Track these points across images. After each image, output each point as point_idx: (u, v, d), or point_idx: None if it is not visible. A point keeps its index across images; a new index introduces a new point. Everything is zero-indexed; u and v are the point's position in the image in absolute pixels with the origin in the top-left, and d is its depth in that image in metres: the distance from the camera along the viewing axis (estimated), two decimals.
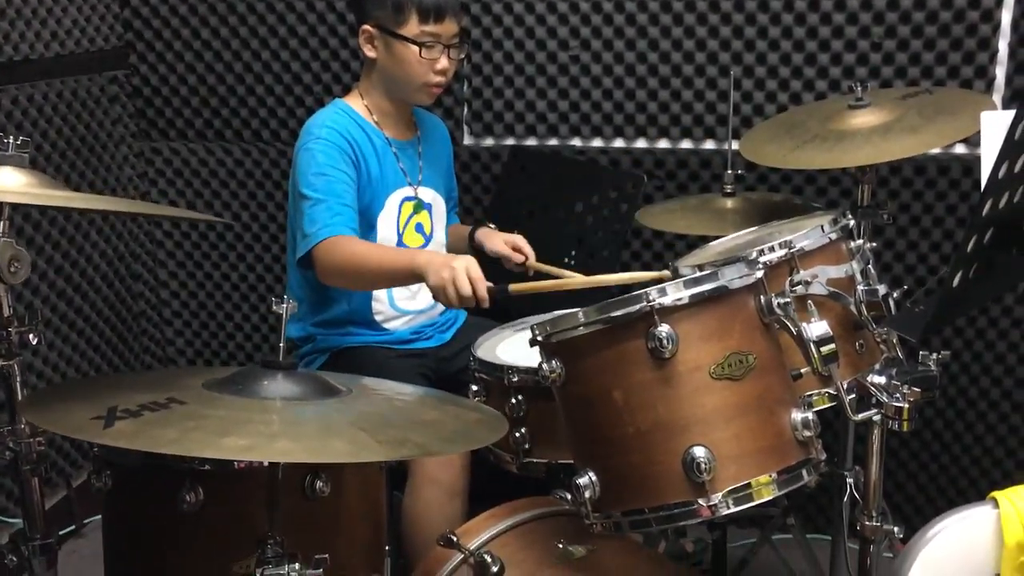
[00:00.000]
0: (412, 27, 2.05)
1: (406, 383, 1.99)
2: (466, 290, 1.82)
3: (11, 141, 1.22)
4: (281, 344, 1.25)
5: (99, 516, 1.47)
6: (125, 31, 2.81)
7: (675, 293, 1.36)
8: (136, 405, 1.10)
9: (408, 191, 2.20)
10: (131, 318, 2.90)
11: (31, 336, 1.27)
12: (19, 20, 2.43)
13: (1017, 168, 1.25)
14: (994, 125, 1.50)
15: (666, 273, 1.91)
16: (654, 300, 1.35)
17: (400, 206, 2.19)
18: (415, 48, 2.05)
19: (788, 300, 1.42)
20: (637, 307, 1.35)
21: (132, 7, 2.78)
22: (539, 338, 1.47)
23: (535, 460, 1.77)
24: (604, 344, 1.38)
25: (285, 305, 1.27)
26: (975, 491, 2.59)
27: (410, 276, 1.98)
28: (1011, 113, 1.23)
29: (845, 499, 2.08)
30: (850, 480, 2.06)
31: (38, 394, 1.24)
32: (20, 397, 1.28)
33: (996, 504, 1.07)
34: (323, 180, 2.03)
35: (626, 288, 1.77)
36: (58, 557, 1.41)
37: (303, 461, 1.00)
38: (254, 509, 1.19)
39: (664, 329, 1.34)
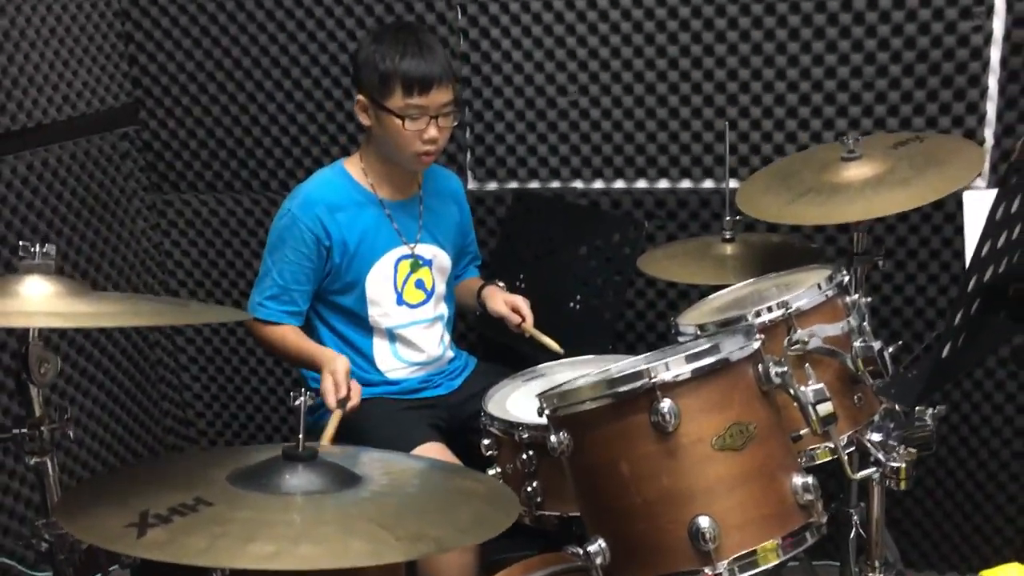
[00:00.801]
0: (397, 100, 2.10)
1: (418, 436, 2.10)
2: (339, 389, 2.05)
3: (37, 250, 1.28)
4: (300, 436, 1.31)
5: None
6: (134, 88, 2.87)
7: (677, 368, 1.42)
8: (166, 509, 1.16)
9: (403, 250, 2.26)
10: (153, 400, 2.99)
11: (66, 431, 1.33)
12: (31, 87, 2.49)
13: (1000, 244, 1.30)
14: (977, 205, 1.55)
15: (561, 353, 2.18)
16: (656, 376, 1.40)
17: (396, 266, 2.25)
18: (399, 121, 2.10)
19: (785, 369, 1.47)
20: (640, 383, 1.41)
21: (140, 65, 2.84)
22: (547, 411, 1.53)
23: (547, 513, 1.82)
24: (609, 418, 1.44)
25: (303, 398, 1.33)
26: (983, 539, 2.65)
27: (311, 362, 2.22)
28: (992, 193, 1.29)
29: (851, 536, 2.13)
30: (856, 518, 2.12)
31: (70, 495, 1.29)
32: (55, 491, 1.34)
33: None
34: (279, 254, 2.18)
35: None
36: None
37: (326, 568, 1.05)
38: None
39: (666, 404, 1.40)
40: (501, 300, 2.31)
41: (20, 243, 1.30)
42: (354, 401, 2.05)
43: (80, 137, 2.68)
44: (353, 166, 2.24)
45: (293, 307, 2.21)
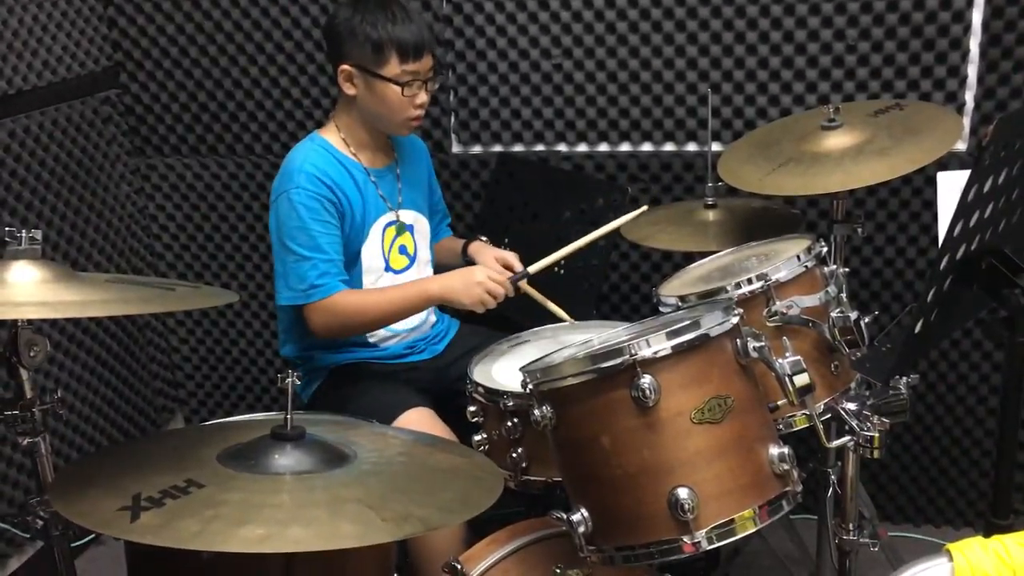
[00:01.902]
0: (392, 67, 2.09)
1: (405, 401, 2.14)
2: (500, 293, 2.11)
3: (24, 235, 1.29)
4: (288, 416, 1.34)
5: None
6: (114, 51, 2.85)
7: (657, 344, 1.44)
8: (158, 492, 1.19)
9: (390, 216, 2.27)
10: (143, 364, 3.01)
11: (58, 411, 1.36)
12: (10, 53, 2.47)
13: (972, 223, 1.33)
14: (950, 185, 1.58)
15: (644, 208, 2.21)
16: (637, 353, 1.43)
17: (383, 232, 2.26)
18: (397, 88, 2.10)
19: (763, 343, 1.50)
20: (621, 359, 1.44)
21: (120, 28, 2.82)
22: (530, 385, 1.56)
23: (532, 478, 1.86)
24: (591, 393, 1.47)
25: (290, 380, 1.35)
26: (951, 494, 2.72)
27: (426, 306, 2.24)
28: (965, 173, 1.31)
29: (829, 494, 2.19)
30: (833, 477, 2.17)
31: (63, 475, 1.32)
32: (48, 470, 1.37)
33: (951, 557, 1.17)
34: (306, 235, 2.10)
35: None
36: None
37: (315, 549, 1.09)
38: None
39: (647, 380, 1.43)
40: (491, 256, 2.31)
41: (6, 228, 1.31)
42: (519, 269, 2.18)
43: (61, 103, 2.66)
44: (332, 136, 2.22)
45: (343, 275, 2.15)
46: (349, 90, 2.15)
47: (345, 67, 2.13)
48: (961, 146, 2.44)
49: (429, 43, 2.13)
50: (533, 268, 2.22)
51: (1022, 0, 2.31)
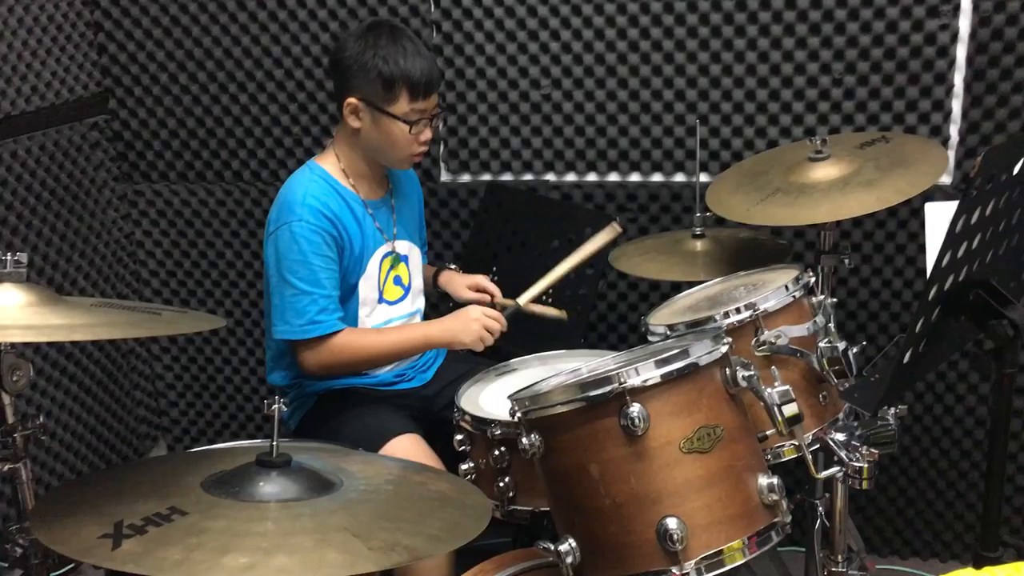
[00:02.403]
0: (402, 105, 2.08)
1: (394, 428, 2.12)
2: (497, 328, 2.15)
3: (8, 258, 1.28)
4: (274, 443, 1.32)
5: None
6: (103, 77, 2.85)
7: (646, 373, 1.44)
8: (140, 519, 1.17)
9: (387, 248, 2.26)
10: (126, 391, 2.98)
11: (39, 437, 1.34)
12: None
13: (960, 254, 1.34)
14: (939, 215, 1.59)
15: (615, 225, 2.26)
16: (626, 381, 1.43)
17: (380, 264, 2.25)
18: (404, 126, 2.09)
19: (752, 373, 1.50)
20: (610, 388, 1.44)
21: (109, 54, 2.82)
22: (518, 413, 1.55)
23: (519, 508, 1.85)
24: (579, 422, 1.47)
25: (276, 406, 1.34)
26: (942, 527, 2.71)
27: (424, 350, 2.29)
28: (953, 204, 1.32)
29: (817, 526, 2.18)
30: (820, 509, 2.16)
31: (43, 502, 1.30)
32: (29, 497, 1.35)
33: None
34: (306, 268, 2.07)
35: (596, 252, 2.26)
36: None
37: None
38: None
39: (636, 408, 1.42)
40: (463, 285, 2.33)
41: None
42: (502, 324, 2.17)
43: (49, 128, 2.66)
44: (331, 167, 2.19)
45: (340, 312, 2.14)
46: (354, 123, 2.12)
47: (351, 100, 2.10)
48: (946, 179, 2.46)
49: (437, 80, 2.13)
50: (523, 299, 2.23)
51: (1006, 36, 2.34)
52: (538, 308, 2.27)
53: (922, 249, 2.53)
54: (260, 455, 1.33)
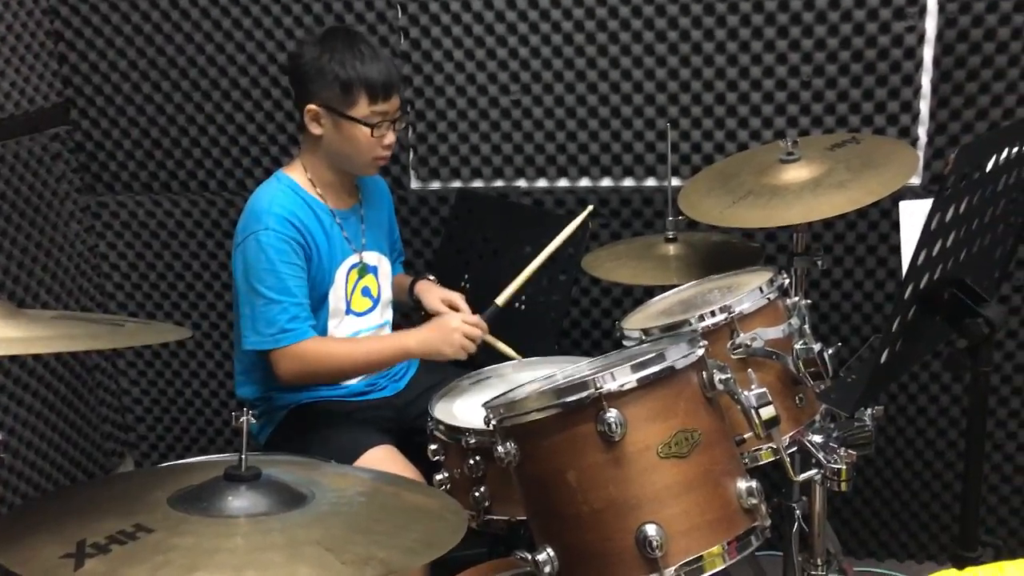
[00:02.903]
0: (362, 108, 2.06)
1: (367, 440, 2.09)
2: (477, 335, 2.12)
3: None
4: (242, 456, 1.29)
5: None
6: (64, 87, 2.79)
7: (623, 378, 1.42)
8: (104, 537, 1.13)
9: (354, 259, 2.23)
10: (91, 406, 2.91)
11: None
12: None
13: (935, 252, 1.33)
14: (912, 214, 1.58)
15: (590, 208, 2.24)
16: (603, 386, 1.41)
17: (347, 275, 2.22)
18: (366, 129, 2.07)
19: (729, 376, 1.48)
20: (586, 393, 1.42)
21: (70, 63, 2.76)
22: (493, 421, 1.52)
23: (495, 517, 1.82)
24: (556, 428, 1.45)
25: (244, 418, 1.31)
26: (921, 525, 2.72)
27: (401, 361, 2.27)
28: (928, 203, 1.31)
29: (794, 529, 2.17)
30: (798, 512, 2.16)
31: (3, 521, 1.25)
32: None
33: None
34: (275, 277, 2.04)
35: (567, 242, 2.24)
36: None
37: None
38: None
39: (613, 414, 1.40)
40: (436, 298, 2.29)
41: None
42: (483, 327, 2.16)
43: (9, 139, 2.59)
44: (299, 176, 2.17)
45: (312, 320, 2.11)
46: (315, 130, 2.10)
47: (312, 107, 2.08)
48: (915, 180, 2.47)
49: (397, 82, 2.11)
50: (500, 300, 2.21)
51: (971, 37, 2.36)
52: (500, 345, 2.24)
53: (893, 251, 2.53)
54: (228, 468, 1.29)
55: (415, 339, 2.14)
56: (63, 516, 1.21)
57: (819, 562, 1.74)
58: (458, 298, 2.26)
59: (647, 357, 1.45)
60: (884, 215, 2.51)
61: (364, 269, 2.25)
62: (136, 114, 2.79)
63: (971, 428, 1.52)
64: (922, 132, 2.46)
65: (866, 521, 2.75)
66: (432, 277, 2.41)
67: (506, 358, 2.21)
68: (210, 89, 2.73)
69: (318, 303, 2.16)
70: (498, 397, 1.61)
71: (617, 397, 1.41)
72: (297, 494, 1.30)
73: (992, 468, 2.62)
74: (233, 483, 1.27)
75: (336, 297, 2.20)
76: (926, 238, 1.28)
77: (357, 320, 2.25)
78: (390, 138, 2.12)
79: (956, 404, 2.59)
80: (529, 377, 1.88)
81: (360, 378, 2.27)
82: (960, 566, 1.29)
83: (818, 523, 1.73)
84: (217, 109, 2.75)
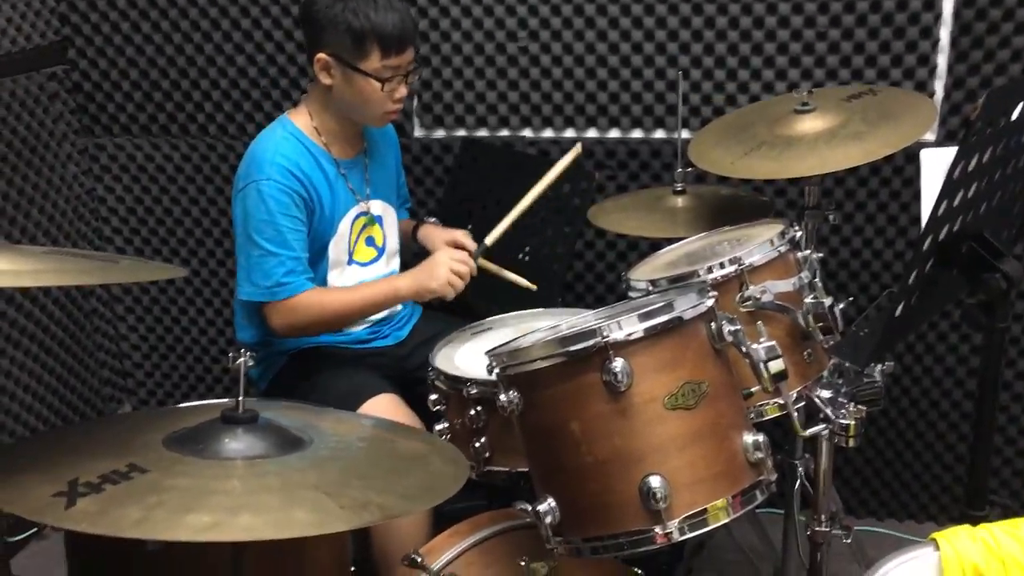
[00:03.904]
0: (373, 61, 2.00)
1: (370, 388, 2.06)
2: (465, 271, 2.08)
3: None
4: (239, 398, 1.26)
5: None
6: (62, 25, 2.73)
7: (630, 327, 1.39)
8: (97, 477, 1.11)
9: (360, 208, 2.19)
10: (88, 351, 2.88)
11: None
12: None
13: (956, 202, 1.29)
14: (934, 163, 1.54)
15: (579, 146, 2.19)
16: (609, 335, 1.37)
17: (352, 225, 2.18)
18: (377, 83, 2.01)
19: (738, 327, 1.45)
20: (592, 342, 1.38)
21: (69, 0, 2.70)
22: (496, 370, 1.49)
23: (496, 468, 1.80)
24: (561, 378, 1.41)
25: (242, 359, 1.27)
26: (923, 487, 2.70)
27: (394, 304, 2.23)
28: (951, 151, 1.27)
29: (796, 487, 2.15)
30: (801, 470, 2.14)
31: None
32: None
33: (937, 546, 1.12)
34: (273, 229, 2.01)
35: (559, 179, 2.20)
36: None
37: (267, 538, 1.01)
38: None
39: (619, 363, 1.37)
40: (440, 240, 2.25)
41: None
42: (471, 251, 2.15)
43: (5, 77, 2.54)
44: (304, 124, 2.12)
45: (309, 273, 2.08)
46: (325, 79, 2.04)
47: (322, 56, 2.02)
48: (930, 136, 2.42)
49: (412, 35, 2.04)
50: (489, 239, 2.18)
51: None
52: (506, 273, 2.20)
53: (903, 208, 2.49)
54: (225, 410, 1.26)
55: (406, 281, 2.12)
56: (55, 455, 1.18)
57: (823, 518, 1.72)
58: (461, 235, 2.23)
59: (655, 307, 1.41)
60: (896, 172, 2.46)
61: (370, 219, 2.22)
62: (136, 54, 2.73)
63: (983, 385, 1.49)
64: (939, 87, 2.40)
65: (867, 480, 2.74)
66: (434, 220, 2.37)
67: (516, 288, 2.17)
68: (211, 29, 2.67)
69: (318, 254, 2.13)
70: (502, 345, 1.57)
71: (624, 347, 1.38)
72: (295, 438, 1.28)
73: (1001, 425, 2.60)
74: (230, 425, 1.25)
75: (338, 248, 2.16)
76: (948, 188, 1.24)
77: (361, 270, 2.21)
78: (401, 92, 2.06)
79: (962, 364, 2.56)
80: (532, 327, 1.85)
81: (363, 325, 2.24)
82: (975, 524, 1.26)
83: (824, 480, 1.70)
84: (218, 50, 2.69)
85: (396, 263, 2.31)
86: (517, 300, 2.19)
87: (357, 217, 2.19)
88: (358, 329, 2.25)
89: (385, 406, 2.03)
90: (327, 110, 2.12)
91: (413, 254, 2.39)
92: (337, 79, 2.04)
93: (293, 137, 2.09)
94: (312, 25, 2.04)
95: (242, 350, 1.30)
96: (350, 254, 2.19)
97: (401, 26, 2.00)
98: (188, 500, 1.07)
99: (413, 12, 2.55)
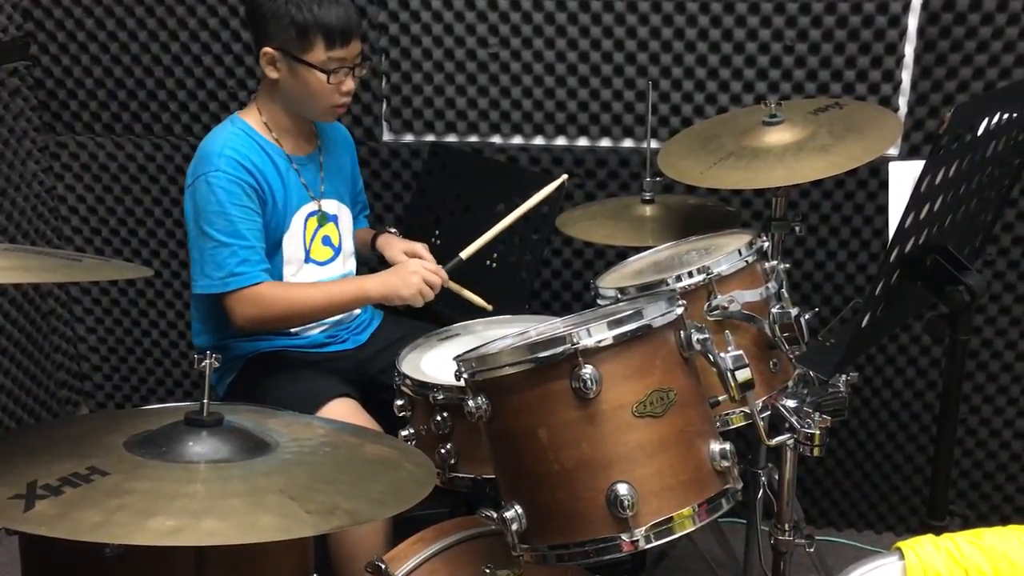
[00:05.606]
0: (318, 53, 2.01)
1: (327, 392, 2.04)
2: (437, 282, 2.08)
3: None
4: (204, 400, 1.24)
5: None
6: (24, 20, 2.68)
7: (599, 334, 1.38)
8: (56, 479, 1.08)
9: (312, 206, 2.18)
10: (45, 352, 2.82)
11: None
12: None
13: (923, 215, 1.31)
14: (901, 176, 1.56)
15: (564, 177, 2.19)
16: (579, 342, 1.37)
17: (305, 222, 2.17)
18: (322, 75, 2.01)
19: (707, 336, 1.45)
20: (562, 348, 1.38)
21: None
22: (464, 375, 1.48)
23: (461, 475, 1.79)
24: (529, 384, 1.41)
25: (207, 362, 1.25)
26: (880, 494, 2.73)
27: (361, 305, 2.19)
28: (918, 164, 1.28)
29: (759, 496, 2.16)
30: (763, 479, 2.15)
31: None
32: None
33: (902, 555, 1.13)
34: (224, 219, 1.99)
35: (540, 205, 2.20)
36: None
37: (232, 543, 0.99)
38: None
39: (588, 370, 1.37)
40: (399, 250, 2.25)
41: None
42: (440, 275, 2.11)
43: None
44: (254, 120, 2.12)
45: (265, 264, 2.05)
46: (271, 73, 2.05)
47: (267, 50, 2.03)
48: (893, 151, 2.45)
49: (357, 28, 2.04)
50: (465, 253, 2.17)
51: (958, 6, 2.33)
52: (466, 293, 2.19)
53: (867, 221, 2.52)
54: (189, 413, 1.24)
55: (374, 282, 2.11)
56: (13, 457, 1.15)
57: (787, 527, 1.73)
58: (420, 248, 2.22)
59: (625, 314, 1.41)
60: (860, 185, 2.49)
61: (324, 217, 2.20)
62: (99, 51, 2.69)
63: (947, 395, 1.51)
64: (903, 102, 2.44)
65: (827, 490, 2.76)
66: (393, 230, 2.36)
67: (473, 307, 2.17)
68: (177, 28, 2.64)
69: (272, 249, 2.11)
70: (471, 351, 1.56)
71: (593, 353, 1.38)
72: (260, 442, 1.26)
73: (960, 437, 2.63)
74: (194, 428, 1.22)
75: (293, 245, 2.14)
76: (915, 200, 1.25)
77: (319, 269, 2.20)
78: (348, 85, 2.06)
79: (922, 377, 2.60)
80: (500, 334, 1.84)
81: (319, 329, 2.22)
82: (938, 534, 1.27)
83: (787, 489, 1.71)
84: (184, 49, 2.66)
85: (352, 264, 2.30)
86: (472, 305, 2.18)
87: (311, 215, 2.18)
88: (315, 333, 2.23)
89: (344, 410, 2.02)
90: (276, 105, 2.12)
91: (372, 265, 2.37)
92: (284, 72, 2.04)
93: (243, 132, 2.09)
94: (257, 20, 2.05)
95: (208, 352, 1.27)
96: (307, 252, 2.17)
97: (345, 19, 2.01)
98: (150, 504, 1.05)
99: (383, 15, 2.55)
